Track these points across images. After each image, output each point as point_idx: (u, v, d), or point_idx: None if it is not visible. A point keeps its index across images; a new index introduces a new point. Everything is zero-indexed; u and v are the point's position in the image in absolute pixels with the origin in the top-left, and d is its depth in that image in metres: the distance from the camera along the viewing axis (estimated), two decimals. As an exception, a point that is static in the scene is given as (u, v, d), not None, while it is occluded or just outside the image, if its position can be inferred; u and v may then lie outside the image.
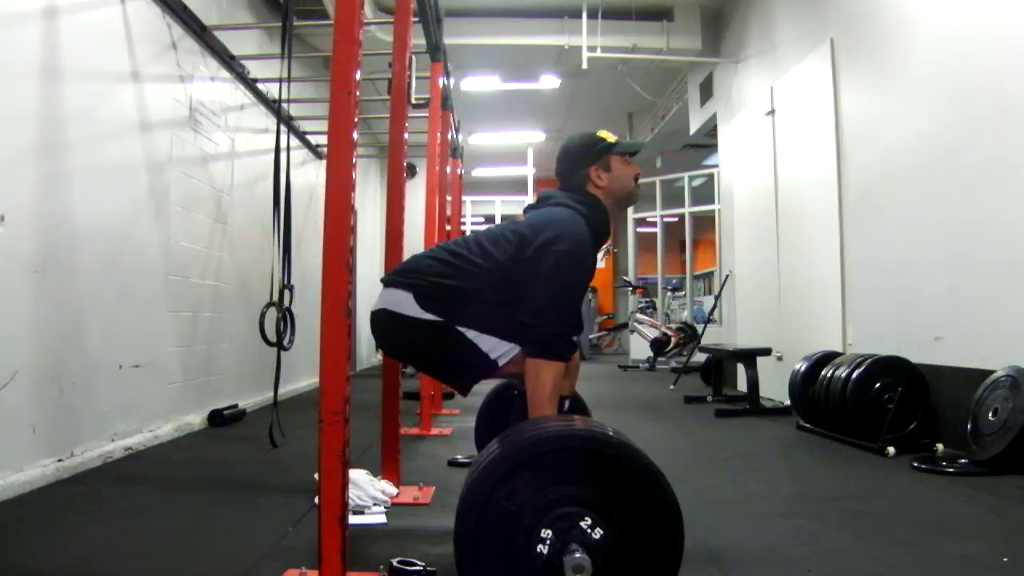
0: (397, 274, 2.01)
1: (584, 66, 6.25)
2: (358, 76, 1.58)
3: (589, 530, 1.39)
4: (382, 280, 2.03)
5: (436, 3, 3.63)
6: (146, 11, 3.42)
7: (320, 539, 1.47)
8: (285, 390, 3.60)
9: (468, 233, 2.23)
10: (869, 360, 3.46)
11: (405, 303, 1.91)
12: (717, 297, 7.04)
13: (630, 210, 9.73)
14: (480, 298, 1.91)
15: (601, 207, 2.04)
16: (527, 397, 1.84)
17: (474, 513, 1.41)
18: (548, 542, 1.39)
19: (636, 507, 1.42)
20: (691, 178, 9.57)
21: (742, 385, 5.23)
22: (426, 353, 2.01)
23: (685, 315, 9.82)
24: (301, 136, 5.80)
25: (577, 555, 1.36)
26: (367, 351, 8.95)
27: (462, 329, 1.89)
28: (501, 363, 1.91)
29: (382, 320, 1.98)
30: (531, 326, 1.84)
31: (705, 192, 9.55)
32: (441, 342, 1.91)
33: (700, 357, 6.88)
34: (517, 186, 11.02)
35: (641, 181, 2.15)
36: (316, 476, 1.56)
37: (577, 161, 2.08)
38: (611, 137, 2.10)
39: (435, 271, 1.94)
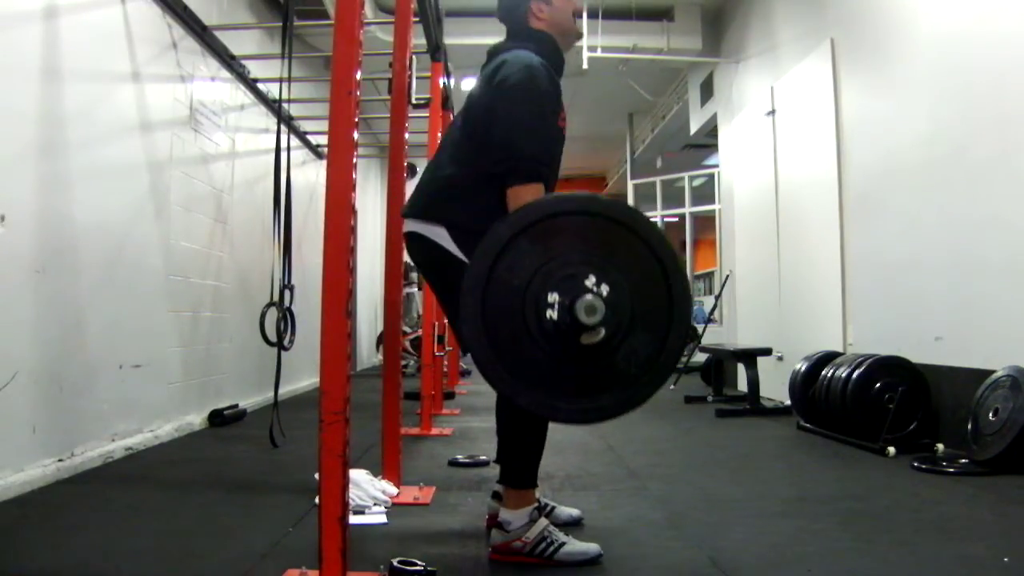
0: (421, 206, 1.91)
1: (584, 66, 6.24)
2: (358, 76, 1.58)
3: (595, 287, 1.38)
4: (404, 214, 1.96)
5: (436, 3, 3.63)
6: (146, 11, 3.42)
7: (320, 539, 1.47)
8: (285, 390, 3.59)
9: (454, 128, 2.07)
10: (869, 360, 3.46)
11: (441, 236, 1.84)
12: (717, 297, 7.04)
13: (630, 210, 9.68)
14: None
15: (549, 38, 1.97)
16: None
17: (478, 290, 1.40)
18: (556, 305, 1.38)
19: (638, 264, 1.41)
20: (691, 178, 9.56)
21: (742, 385, 5.23)
22: (448, 295, 1.87)
23: (685, 315, 9.80)
24: (301, 136, 5.79)
25: (588, 296, 1.35)
26: (367, 351, 8.95)
27: None
28: None
29: (417, 243, 1.90)
30: (502, 161, 1.75)
31: (705, 192, 9.54)
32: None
33: (700, 357, 6.87)
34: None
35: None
36: (316, 476, 1.56)
37: None
38: None
39: (454, 197, 1.85)
